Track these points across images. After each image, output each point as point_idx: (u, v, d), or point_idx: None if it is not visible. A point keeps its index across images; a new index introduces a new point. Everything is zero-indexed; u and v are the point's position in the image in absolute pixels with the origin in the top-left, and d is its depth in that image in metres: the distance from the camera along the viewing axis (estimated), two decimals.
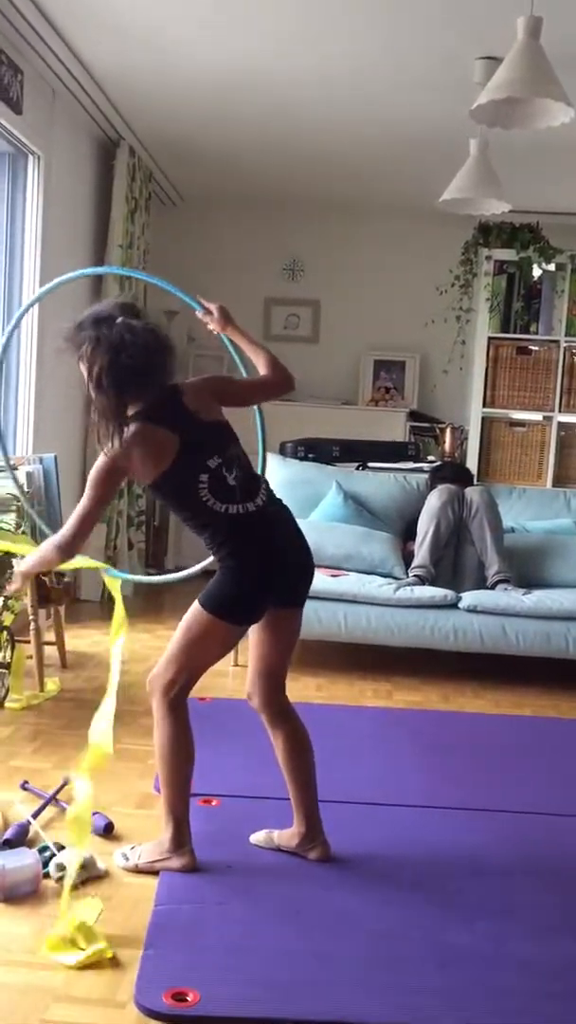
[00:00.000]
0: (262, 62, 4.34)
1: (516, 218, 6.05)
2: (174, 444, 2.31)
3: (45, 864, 2.35)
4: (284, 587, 2.45)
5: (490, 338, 6.27)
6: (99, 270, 2.85)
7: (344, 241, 6.88)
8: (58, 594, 4.16)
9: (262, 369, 2.57)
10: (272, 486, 5.09)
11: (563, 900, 2.43)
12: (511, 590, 4.47)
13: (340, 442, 5.64)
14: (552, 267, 6.17)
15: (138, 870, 2.45)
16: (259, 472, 2.62)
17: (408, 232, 6.78)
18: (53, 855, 2.36)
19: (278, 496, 2.52)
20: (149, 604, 5.55)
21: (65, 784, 2.87)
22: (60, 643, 4.26)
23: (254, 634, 2.54)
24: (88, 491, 2.33)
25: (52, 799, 2.77)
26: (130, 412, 2.32)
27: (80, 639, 4.70)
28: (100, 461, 2.32)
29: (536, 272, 6.20)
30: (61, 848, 2.41)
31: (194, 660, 2.42)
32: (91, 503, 2.32)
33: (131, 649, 4.62)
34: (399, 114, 4.88)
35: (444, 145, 4.99)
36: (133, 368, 2.24)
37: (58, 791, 2.81)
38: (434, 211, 5.03)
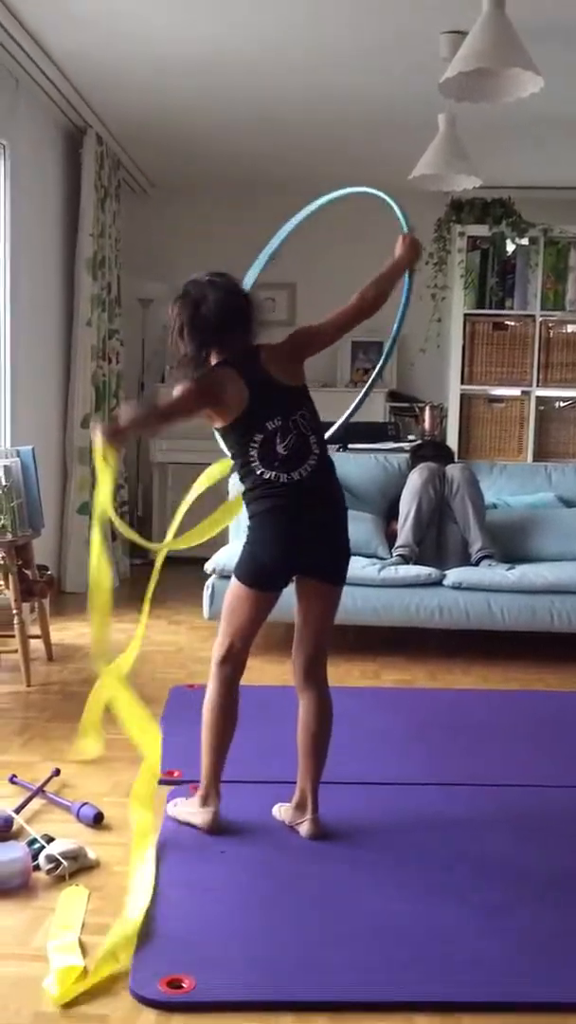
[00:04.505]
0: (228, 45, 4.30)
1: (488, 193, 6.01)
2: (246, 396, 2.46)
3: (35, 857, 2.33)
4: (309, 560, 2.51)
5: (466, 315, 6.24)
6: (355, 190, 3.06)
7: (317, 222, 6.77)
8: (41, 587, 4.13)
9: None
10: None
11: (558, 870, 2.44)
12: (495, 566, 4.47)
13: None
14: (525, 241, 6.15)
15: (177, 821, 2.62)
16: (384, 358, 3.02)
17: (381, 211, 6.70)
18: (42, 847, 2.35)
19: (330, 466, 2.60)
20: (136, 592, 5.51)
21: (54, 776, 2.86)
22: (45, 636, 4.24)
23: (296, 604, 2.61)
24: (174, 396, 2.49)
25: (40, 791, 2.76)
26: (214, 361, 2.51)
27: (66, 631, 4.68)
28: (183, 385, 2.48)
29: (509, 247, 6.18)
30: (50, 840, 2.40)
31: (232, 625, 2.56)
32: (178, 399, 2.48)
33: (116, 640, 4.59)
34: (367, 93, 4.85)
35: (413, 122, 4.96)
36: (209, 321, 2.47)
37: (45, 783, 2.80)
38: (406, 189, 4.96)
